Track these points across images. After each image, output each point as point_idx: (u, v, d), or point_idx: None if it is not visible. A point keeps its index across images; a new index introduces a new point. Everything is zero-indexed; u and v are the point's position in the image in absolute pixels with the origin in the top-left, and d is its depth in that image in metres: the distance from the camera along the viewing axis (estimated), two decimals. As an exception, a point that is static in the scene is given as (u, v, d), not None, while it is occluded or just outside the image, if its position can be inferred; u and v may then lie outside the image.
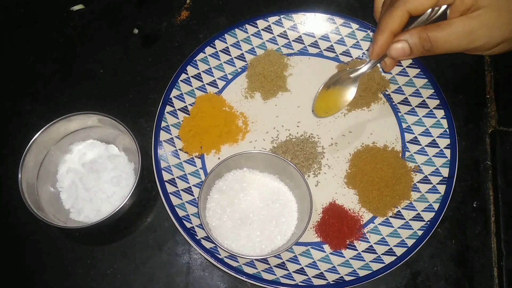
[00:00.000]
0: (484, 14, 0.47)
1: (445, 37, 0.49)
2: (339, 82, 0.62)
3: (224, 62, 0.74)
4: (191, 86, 0.72)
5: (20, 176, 0.60)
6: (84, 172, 0.65)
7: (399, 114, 0.71)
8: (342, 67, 0.72)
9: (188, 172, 0.67)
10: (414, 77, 0.72)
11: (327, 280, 0.60)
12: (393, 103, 0.71)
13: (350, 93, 0.63)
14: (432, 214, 0.63)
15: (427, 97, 0.70)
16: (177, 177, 0.66)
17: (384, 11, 0.53)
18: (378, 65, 0.72)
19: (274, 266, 0.61)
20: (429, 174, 0.66)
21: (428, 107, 0.70)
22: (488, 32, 0.48)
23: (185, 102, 0.71)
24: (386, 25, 0.51)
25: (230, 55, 0.74)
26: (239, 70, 0.74)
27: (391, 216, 0.64)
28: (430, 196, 0.64)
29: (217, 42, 0.74)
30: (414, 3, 0.49)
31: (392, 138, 0.69)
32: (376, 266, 0.60)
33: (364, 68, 0.60)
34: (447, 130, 0.67)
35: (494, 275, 0.63)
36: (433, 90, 0.70)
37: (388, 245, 0.62)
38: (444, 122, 0.68)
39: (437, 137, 0.67)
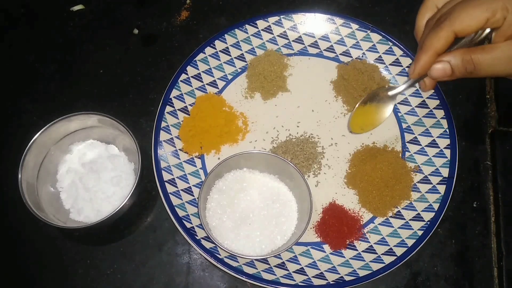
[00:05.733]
0: None
1: (489, 61, 0.49)
2: (376, 99, 0.62)
3: (224, 62, 0.74)
4: (191, 86, 0.72)
5: (20, 176, 0.60)
6: (84, 172, 0.65)
7: (399, 114, 0.71)
8: (342, 68, 0.72)
9: (188, 172, 0.67)
10: (414, 77, 0.72)
11: (327, 280, 0.60)
12: (393, 103, 0.71)
13: (387, 110, 0.62)
14: (432, 214, 0.63)
15: (427, 97, 0.70)
16: (177, 177, 0.66)
17: (429, 30, 0.52)
18: (379, 65, 0.73)
19: (274, 266, 0.61)
20: (429, 174, 0.66)
21: (428, 107, 0.70)
22: None
23: (185, 102, 0.71)
24: (430, 44, 0.50)
25: (230, 55, 0.74)
26: (239, 70, 0.74)
27: (391, 216, 0.64)
28: (430, 196, 0.64)
29: (217, 42, 0.74)
30: (462, 24, 0.48)
31: (392, 138, 0.69)
32: (376, 266, 0.60)
33: (403, 87, 0.60)
34: (447, 130, 0.67)
35: (494, 275, 0.63)
36: (433, 90, 0.70)
37: (388, 245, 0.62)
38: (444, 122, 0.68)
39: (437, 137, 0.67)
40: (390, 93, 0.61)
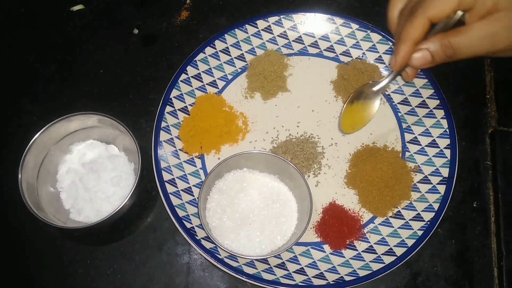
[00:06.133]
0: (505, 16, 0.47)
1: (467, 42, 0.49)
2: (362, 97, 0.62)
3: (224, 62, 0.74)
4: (191, 86, 0.72)
5: (20, 176, 0.60)
6: (84, 172, 0.65)
7: (399, 114, 0.71)
8: (342, 68, 0.72)
9: (188, 172, 0.67)
10: (414, 77, 0.72)
11: (327, 280, 0.60)
12: (393, 103, 0.71)
13: (374, 106, 0.63)
14: (432, 214, 0.63)
15: (427, 97, 0.70)
16: (177, 177, 0.66)
17: (404, 21, 0.52)
18: (379, 65, 0.73)
19: (274, 266, 0.61)
20: (429, 174, 0.66)
21: (428, 107, 0.70)
22: (509, 34, 0.48)
23: (185, 102, 0.71)
24: (407, 35, 0.51)
25: (230, 55, 0.74)
26: (239, 70, 0.74)
27: (391, 216, 0.64)
28: (430, 196, 0.64)
29: (217, 42, 0.74)
30: (435, 9, 0.49)
31: (392, 138, 0.69)
32: (376, 266, 0.60)
33: (386, 81, 0.60)
34: (447, 130, 0.67)
35: (494, 275, 0.63)
36: (433, 90, 0.70)
37: (388, 245, 0.62)
38: (444, 122, 0.68)
39: (437, 137, 0.67)
40: (375, 88, 0.62)
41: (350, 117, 0.64)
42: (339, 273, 0.60)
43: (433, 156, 0.66)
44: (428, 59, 0.52)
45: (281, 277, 0.60)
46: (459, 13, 0.49)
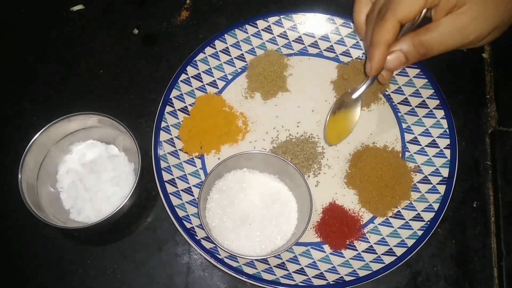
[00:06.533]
0: (471, 8, 0.48)
1: (438, 39, 0.49)
2: (343, 106, 0.63)
3: (224, 62, 0.74)
4: (191, 86, 0.72)
5: (20, 176, 0.60)
6: (84, 172, 0.65)
7: (399, 114, 0.71)
8: (342, 68, 0.72)
9: (188, 173, 0.67)
10: (414, 77, 0.72)
11: (327, 280, 0.60)
12: (393, 103, 0.71)
13: (356, 113, 0.63)
14: (432, 214, 0.63)
15: (427, 97, 0.70)
16: (177, 177, 0.66)
17: (373, 25, 0.52)
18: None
19: (274, 266, 0.61)
20: (429, 174, 0.66)
21: (428, 107, 0.70)
22: (478, 25, 0.49)
23: (185, 103, 0.71)
24: (379, 39, 0.51)
25: (230, 56, 0.74)
26: (239, 70, 0.74)
27: (391, 216, 0.64)
28: (430, 196, 0.64)
29: (217, 42, 0.74)
30: (404, 11, 0.49)
31: (392, 138, 0.69)
32: (376, 266, 0.60)
33: (364, 86, 0.61)
34: (447, 130, 0.67)
35: (494, 275, 0.63)
36: (433, 90, 0.70)
37: (388, 245, 0.62)
38: (444, 122, 0.68)
39: (437, 137, 0.67)
40: (354, 96, 0.62)
41: (334, 128, 0.64)
42: (339, 273, 0.60)
43: (433, 156, 0.66)
44: (402, 61, 0.52)
45: (281, 277, 0.60)
46: (424, 10, 0.49)
